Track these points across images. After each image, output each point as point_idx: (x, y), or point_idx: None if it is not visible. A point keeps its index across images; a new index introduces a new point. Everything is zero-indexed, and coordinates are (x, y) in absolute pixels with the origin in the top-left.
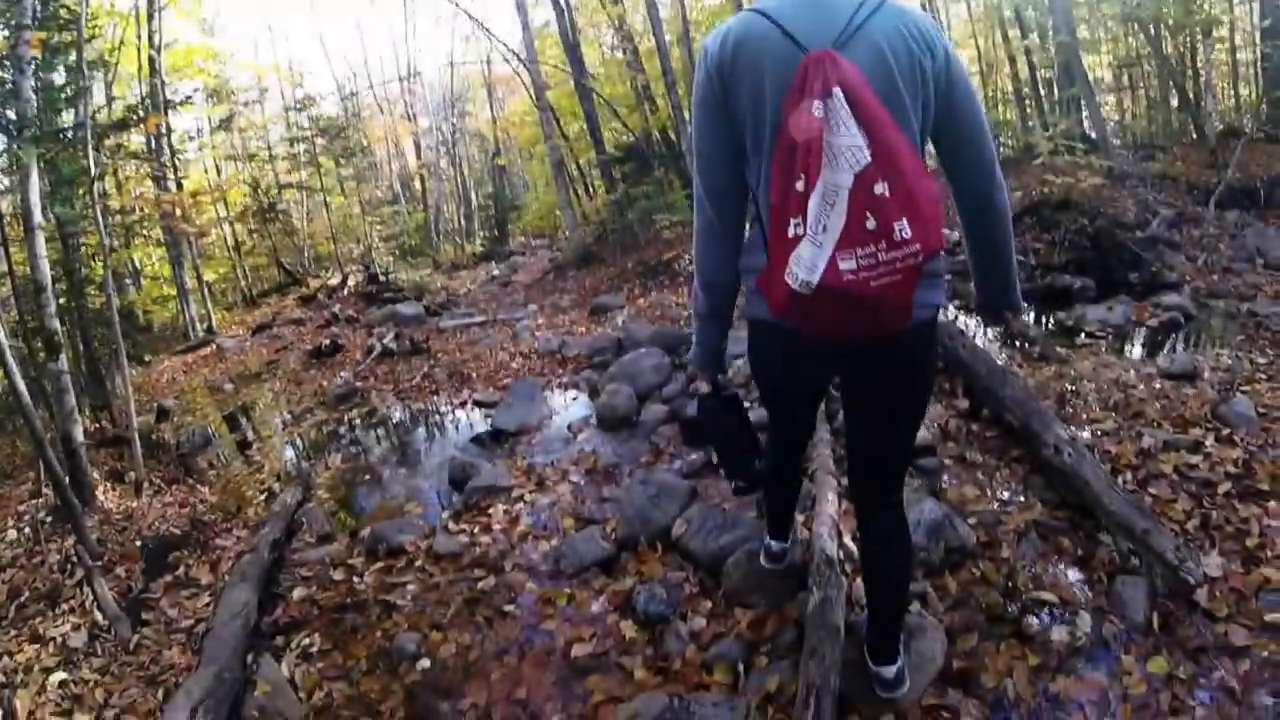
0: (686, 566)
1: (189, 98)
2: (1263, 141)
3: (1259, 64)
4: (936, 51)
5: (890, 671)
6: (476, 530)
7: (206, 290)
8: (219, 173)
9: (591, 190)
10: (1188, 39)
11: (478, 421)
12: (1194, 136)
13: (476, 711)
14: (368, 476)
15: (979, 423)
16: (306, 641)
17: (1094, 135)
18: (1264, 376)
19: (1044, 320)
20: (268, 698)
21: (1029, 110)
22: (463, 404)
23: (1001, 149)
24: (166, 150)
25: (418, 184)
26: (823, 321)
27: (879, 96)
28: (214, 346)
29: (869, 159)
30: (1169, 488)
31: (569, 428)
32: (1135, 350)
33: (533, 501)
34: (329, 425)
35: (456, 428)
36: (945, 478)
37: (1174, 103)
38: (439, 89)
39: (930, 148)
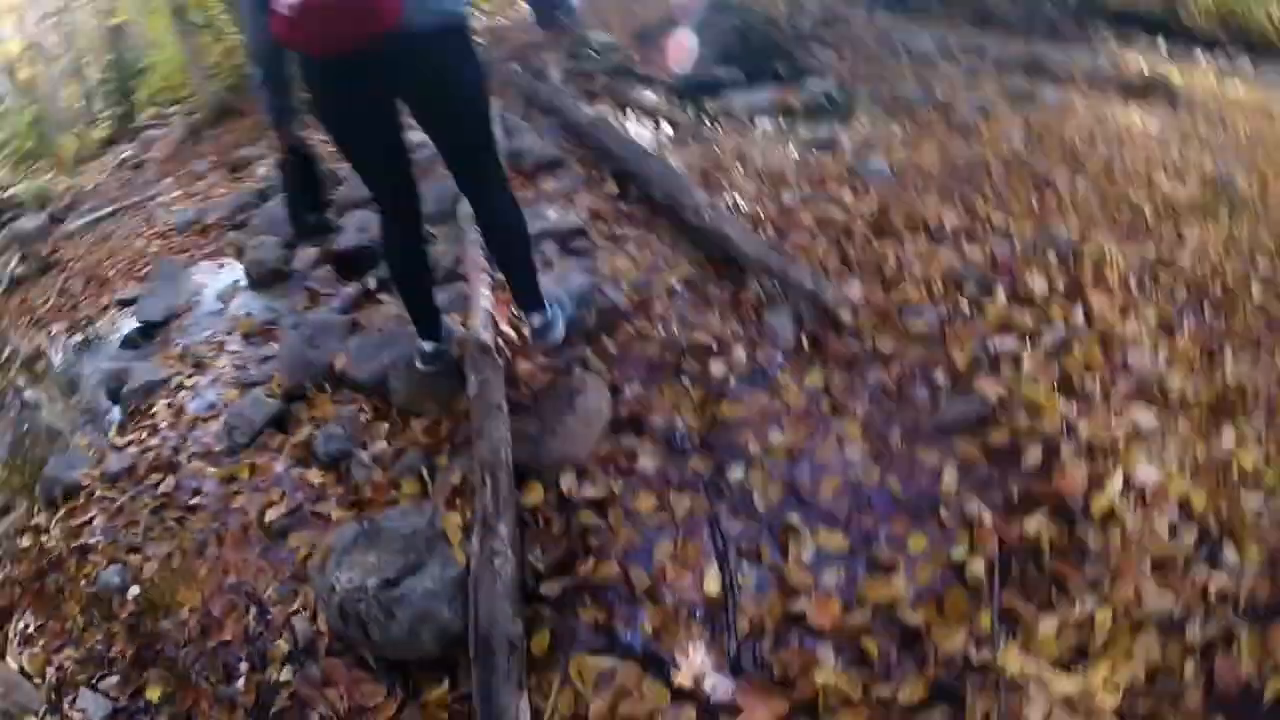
0: (357, 397)
1: None
2: None
3: None
4: None
5: (538, 319)
6: (144, 435)
7: None
8: None
9: (220, 36)
10: None
11: (126, 322)
12: None
13: (196, 615)
14: (25, 425)
15: (628, 204)
16: (21, 625)
17: None
18: (900, 143)
19: (691, 109)
20: (3, 699)
21: None
22: (105, 309)
23: None
24: None
25: (24, 73)
26: (319, 35)
27: None
28: None
29: None
30: (808, 235)
31: (219, 298)
32: (779, 128)
33: (193, 385)
34: None
35: (106, 336)
36: (596, 257)
37: None
38: None
39: None
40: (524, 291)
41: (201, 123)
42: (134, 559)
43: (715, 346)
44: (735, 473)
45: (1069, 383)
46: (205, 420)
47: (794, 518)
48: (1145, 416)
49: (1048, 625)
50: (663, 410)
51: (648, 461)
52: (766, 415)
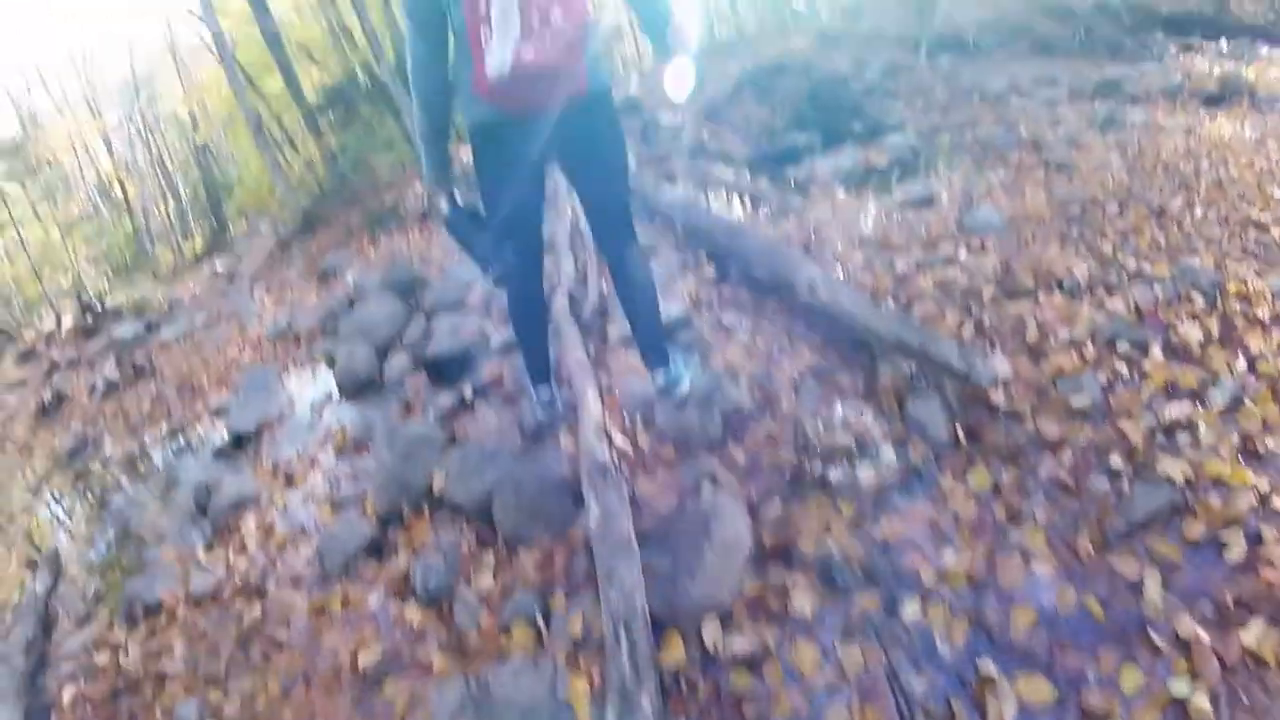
0: (458, 520)
1: None
2: None
3: None
4: None
5: (662, 376)
6: (232, 554)
7: None
8: None
9: (300, 148)
10: None
11: (218, 431)
12: None
13: None
14: (112, 533)
15: (729, 286)
16: None
17: (801, 8)
18: (1001, 189)
19: (771, 175)
20: None
21: None
22: (198, 418)
23: (715, 33)
24: None
25: (118, 189)
26: (521, 96)
27: None
28: None
29: None
30: (933, 304)
31: (311, 407)
32: (869, 190)
33: (284, 502)
34: (67, 488)
35: (197, 445)
36: (706, 348)
37: None
38: (121, 76)
39: None
40: (650, 346)
41: (289, 233)
42: (214, 694)
43: (859, 448)
44: (910, 609)
45: (1252, 448)
46: (295, 542)
47: (988, 664)
48: None
49: None
50: (811, 533)
51: (803, 601)
52: (934, 530)
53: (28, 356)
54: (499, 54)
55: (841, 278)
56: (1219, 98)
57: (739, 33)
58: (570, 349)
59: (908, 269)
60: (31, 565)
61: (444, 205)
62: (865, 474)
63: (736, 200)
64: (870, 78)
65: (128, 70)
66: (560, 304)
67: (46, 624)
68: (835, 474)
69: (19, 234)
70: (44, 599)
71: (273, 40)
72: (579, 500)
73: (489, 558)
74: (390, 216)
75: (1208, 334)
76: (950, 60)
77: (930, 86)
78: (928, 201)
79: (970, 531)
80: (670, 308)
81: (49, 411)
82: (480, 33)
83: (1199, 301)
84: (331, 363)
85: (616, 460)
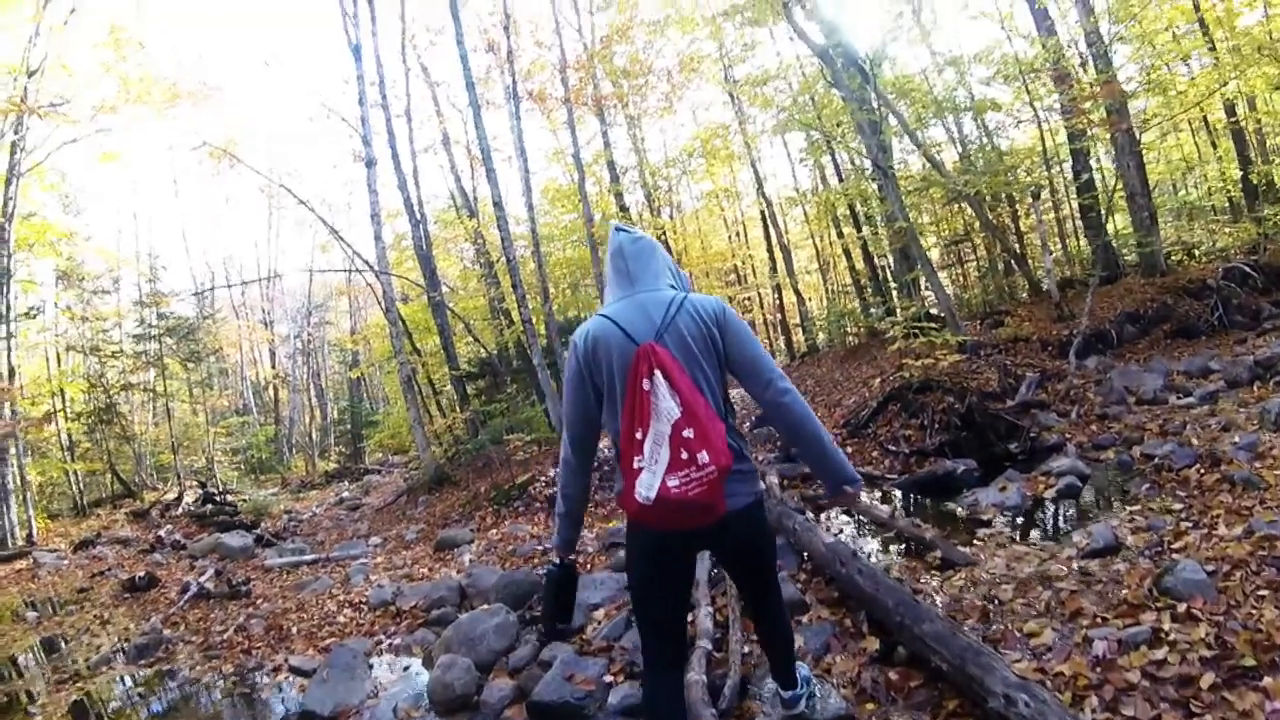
0: None
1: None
2: (1097, 286)
3: (1075, 217)
4: (715, 316)
5: (789, 693)
6: None
7: (28, 493)
8: (59, 363)
9: (443, 408)
10: (1010, 206)
11: (292, 695)
12: (1026, 296)
13: None
14: None
15: (896, 669)
16: None
17: (939, 312)
18: (1189, 524)
19: (926, 508)
20: None
21: (869, 298)
22: (277, 669)
23: (847, 337)
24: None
25: (271, 394)
26: (664, 520)
27: (683, 368)
28: (30, 560)
29: (679, 413)
30: (1146, 703)
31: (395, 711)
32: (1043, 531)
33: None
34: (123, 685)
35: (267, 702)
36: None
37: (1001, 267)
38: (299, 295)
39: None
40: (782, 671)
41: (418, 484)
42: None
43: None
44: None
45: None
46: None
47: None
48: None
49: None
50: None
51: None
52: None
53: (140, 516)
54: (646, 483)
55: (1029, 665)
56: None
57: (872, 335)
58: None
59: (1108, 649)
60: None
61: (553, 560)
62: None
63: (895, 541)
64: (1021, 391)
65: (304, 293)
66: (695, 680)
67: None
68: None
69: (169, 407)
70: None
71: (437, 306)
72: None
73: None
74: (518, 495)
75: None
76: (1097, 360)
77: (1083, 393)
78: (1113, 550)
79: None
80: (827, 698)
81: (137, 588)
82: (633, 459)
83: None
84: (429, 661)
85: None
